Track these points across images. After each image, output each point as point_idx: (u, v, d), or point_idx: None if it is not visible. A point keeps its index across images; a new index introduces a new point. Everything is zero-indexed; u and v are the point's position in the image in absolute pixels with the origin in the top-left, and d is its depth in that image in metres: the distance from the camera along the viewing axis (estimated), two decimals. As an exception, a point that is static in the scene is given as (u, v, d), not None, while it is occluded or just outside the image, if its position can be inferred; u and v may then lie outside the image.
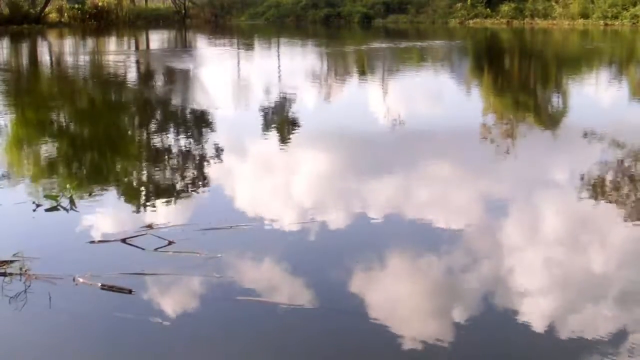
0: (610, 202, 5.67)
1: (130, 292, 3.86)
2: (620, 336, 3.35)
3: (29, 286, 3.95)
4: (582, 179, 6.30)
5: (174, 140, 8.58)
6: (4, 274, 4.09)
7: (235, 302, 3.75)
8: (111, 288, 3.90)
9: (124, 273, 4.10)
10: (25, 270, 4.09)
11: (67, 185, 5.71)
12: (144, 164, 6.82)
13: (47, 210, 5.37)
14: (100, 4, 38.04)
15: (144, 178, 6.29)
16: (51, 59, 20.66)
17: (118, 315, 3.64)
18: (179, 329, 3.48)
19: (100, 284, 3.94)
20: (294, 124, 9.41)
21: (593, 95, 12.60)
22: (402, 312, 3.67)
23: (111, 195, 5.75)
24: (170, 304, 3.74)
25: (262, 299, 3.76)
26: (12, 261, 4.25)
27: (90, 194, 5.76)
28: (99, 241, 4.68)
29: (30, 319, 3.64)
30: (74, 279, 4.01)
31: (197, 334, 3.43)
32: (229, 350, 3.30)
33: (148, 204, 5.52)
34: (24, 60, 21.09)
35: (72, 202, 5.48)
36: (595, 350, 3.22)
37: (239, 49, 24.51)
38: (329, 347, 3.30)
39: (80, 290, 3.91)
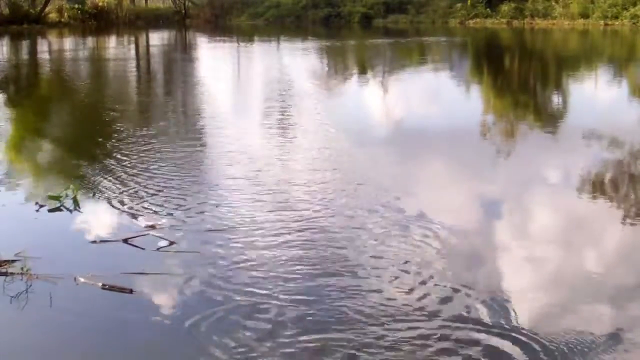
0: (612, 201, 5.69)
1: (131, 291, 3.88)
2: (618, 332, 3.38)
3: (30, 286, 3.97)
4: (582, 178, 6.32)
5: (175, 141, 8.59)
6: (6, 274, 4.10)
7: (235, 302, 3.76)
8: (112, 288, 3.91)
9: (125, 273, 4.11)
10: (27, 270, 4.10)
11: (70, 186, 5.73)
12: (146, 165, 6.82)
13: (50, 210, 5.39)
14: (100, 4, 38.02)
15: (146, 179, 6.29)
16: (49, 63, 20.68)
17: (118, 314, 3.65)
18: (179, 328, 3.49)
19: (101, 284, 3.95)
20: (298, 120, 9.42)
21: (592, 94, 12.61)
22: (401, 312, 3.68)
23: (113, 195, 5.75)
24: (171, 303, 3.75)
25: (263, 300, 3.77)
26: (13, 261, 4.26)
27: (93, 195, 5.77)
28: (101, 241, 4.69)
29: (31, 318, 3.65)
30: (75, 279, 4.02)
31: (198, 334, 3.44)
32: (230, 349, 3.31)
33: (150, 204, 5.52)
34: (22, 60, 21.11)
35: (75, 202, 5.49)
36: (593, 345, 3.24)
37: (239, 45, 24.53)
38: (327, 348, 3.31)
39: (81, 290, 3.92)
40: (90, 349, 3.36)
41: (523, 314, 3.58)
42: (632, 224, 5.18)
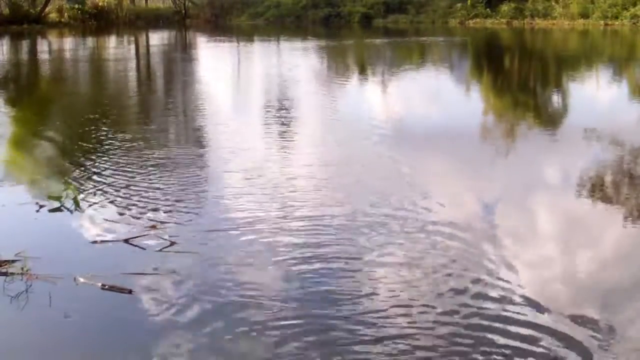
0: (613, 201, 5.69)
1: (130, 292, 3.87)
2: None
3: (30, 286, 3.96)
4: (582, 177, 6.33)
5: (176, 140, 8.59)
6: (6, 274, 4.10)
7: (235, 303, 3.75)
8: (111, 288, 3.91)
9: (125, 273, 4.11)
10: (27, 270, 4.10)
11: (71, 186, 5.72)
12: (148, 165, 6.81)
13: (50, 210, 5.38)
14: (100, 4, 38.03)
15: (148, 178, 6.28)
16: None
17: (118, 315, 3.65)
18: (178, 329, 3.49)
19: (100, 284, 3.95)
20: (300, 119, 9.42)
21: (592, 94, 12.61)
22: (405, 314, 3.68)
23: (115, 195, 5.74)
24: (170, 304, 3.74)
25: (263, 301, 3.76)
26: (13, 261, 4.26)
27: (93, 195, 5.76)
28: (102, 241, 4.69)
29: (30, 318, 3.65)
30: (74, 279, 4.02)
31: (197, 335, 3.43)
32: (229, 351, 3.30)
33: (151, 204, 5.51)
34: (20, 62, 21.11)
35: (76, 202, 5.48)
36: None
37: (239, 45, 24.52)
38: (327, 351, 3.30)
39: (81, 290, 3.91)
40: (89, 349, 3.35)
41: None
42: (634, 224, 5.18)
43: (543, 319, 3.52)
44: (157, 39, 30.30)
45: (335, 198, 5.64)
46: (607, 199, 5.73)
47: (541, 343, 3.30)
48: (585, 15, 31.62)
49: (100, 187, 5.98)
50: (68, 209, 5.40)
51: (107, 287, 3.92)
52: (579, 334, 3.38)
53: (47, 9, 36.61)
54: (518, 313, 3.59)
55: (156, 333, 3.45)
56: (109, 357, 3.28)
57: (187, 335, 3.42)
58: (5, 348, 3.38)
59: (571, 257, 4.47)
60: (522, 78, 15.54)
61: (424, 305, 3.69)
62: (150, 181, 6.19)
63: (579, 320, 3.52)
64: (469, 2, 35.23)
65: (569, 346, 3.27)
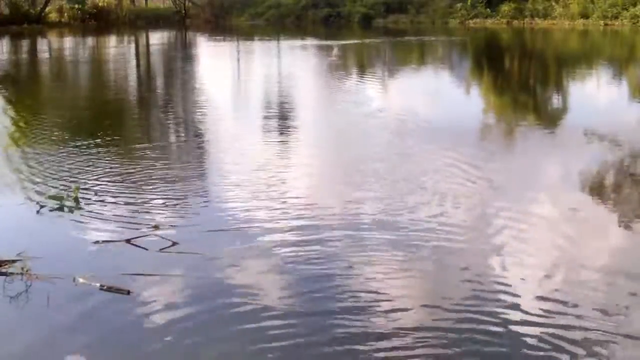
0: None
1: (128, 292, 3.85)
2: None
3: (30, 286, 3.95)
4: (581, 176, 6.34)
5: (180, 140, 8.58)
6: (6, 274, 4.09)
7: (235, 303, 3.74)
8: (110, 289, 3.89)
9: (125, 274, 4.09)
10: (27, 270, 4.08)
11: (72, 186, 5.70)
12: (150, 165, 6.80)
13: (51, 210, 5.36)
14: (100, 4, 38.04)
15: (150, 179, 6.26)
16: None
17: (116, 315, 3.63)
18: (176, 330, 3.47)
19: (99, 285, 3.93)
20: (301, 119, 9.42)
21: (592, 94, 12.61)
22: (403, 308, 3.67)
23: (117, 195, 5.73)
24: (169, 305, 3.73)
25: (263, 302, 3.75)
26: (14, 261, 4.25)
27: (95, 194, 5.74)
28: (103, 241, 4.67)
29: (29, 318, 3.64)
30: (73, 279, 4.00)
31: (196, 336, 3.41)
32: (228, 352, 3.29)
33: (153, 204, 5.50)
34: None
35: (77, 202, 5.47)
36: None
37: (238, 45, 24.52)
38: (327, 352, 3.29)
39: (80, 291, 3.90)
40: (87, 350, 3.33)
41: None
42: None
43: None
44: (157, 38, 30.31)
45: (333, 198, 5.63)
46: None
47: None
48: (585, 15, 31.61)
49: (101, 187, 5.96)
50: (69, 209, 5.38)
51: (105, 287, 3.91)
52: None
53: (47, 9, 36.61)
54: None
55: (154, 334, 3.44)
56: (108, 357, 3.27)
57: (186, 336, 3.40)
58: (4, 348, 3.37)
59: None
60: (522, 78, 15.53)
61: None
62: (150, 181, 6.18)
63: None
64: (469, 2, 35.21)
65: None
